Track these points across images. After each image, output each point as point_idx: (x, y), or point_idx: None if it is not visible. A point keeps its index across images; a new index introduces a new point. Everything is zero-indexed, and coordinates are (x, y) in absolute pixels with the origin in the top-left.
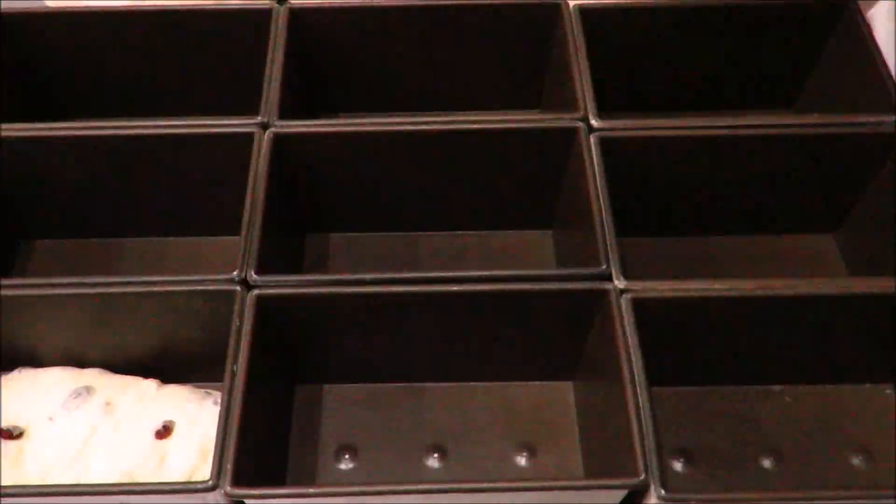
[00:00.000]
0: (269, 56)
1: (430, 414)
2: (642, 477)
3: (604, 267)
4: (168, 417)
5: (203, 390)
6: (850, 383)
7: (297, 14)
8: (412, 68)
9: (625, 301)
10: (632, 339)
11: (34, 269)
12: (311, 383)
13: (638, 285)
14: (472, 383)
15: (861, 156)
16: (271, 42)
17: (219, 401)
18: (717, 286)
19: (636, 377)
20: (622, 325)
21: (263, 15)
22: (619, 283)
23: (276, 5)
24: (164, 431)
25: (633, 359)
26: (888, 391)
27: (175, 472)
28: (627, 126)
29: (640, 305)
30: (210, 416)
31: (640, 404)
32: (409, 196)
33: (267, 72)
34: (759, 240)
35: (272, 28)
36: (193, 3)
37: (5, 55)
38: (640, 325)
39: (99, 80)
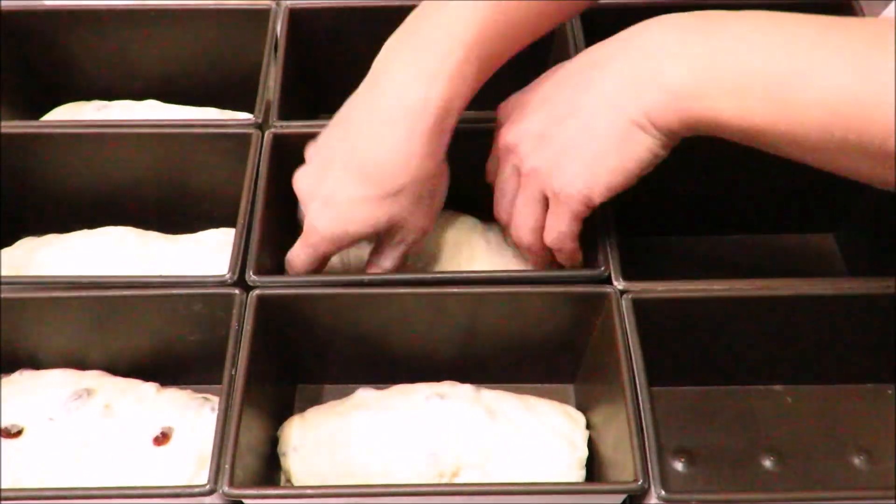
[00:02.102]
0: (268, 56)
1: None
2: (640, 482)
3: (602, 269)
4: (167, 423)
5: (202, 395)
6: (850, 383)
7: (296, 14)
8: None
9: (625, 301)
10: (632, 338)
11: None
12: (311, 383)
13: (638, 286)
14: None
15: None
16: (268, 41)
17: (216, 408)
18: (716, 286)
19: (637, 380)
20: (622, 327)
21: (262, 15)
22: (619, 284)
23: (274, 5)
24: (163, 438)
25: (634, 360)
26: (889, 391)
27: (172, 480)
28: None
29: (640, 306)
30: (208, 423)
31: (641, 408)
32: None
33: (265, 72)
34: (759, 240)
35: (269, 28)
36: (193, 3)
37: (5, 51)
38: (641, 325)
39: (99, 77)
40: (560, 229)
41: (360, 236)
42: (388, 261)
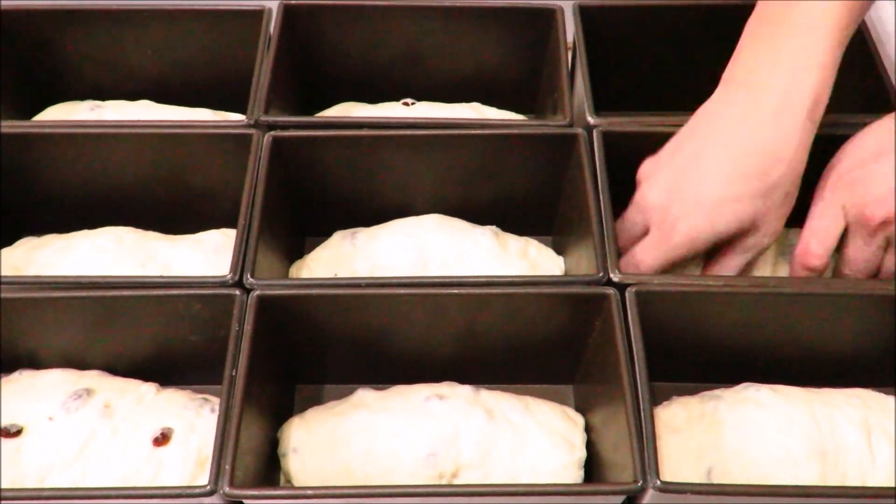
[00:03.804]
0: (261, 56)
1: None
2: (640, 483)
3: (600, 274)
4: (166, 423)
5: (201, 396)
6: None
7: (290, 10)
8: (410, 68)
9: (629, 295)
10: (635, 333)
11: None
12: (310, 383)
13: (632, 277)
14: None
15: None
16: (261, 42)
17: (216, 408)
18: (711, 282)
19: (638, 381)
20: (622, 327)
21: (256, 15)
22: (615, 276)
23: (269, 4)
24: (163, 439)
25: (636, 358)
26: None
27: (172, 481)
28: (625, 122)
29: (643, 300)
30: (208, 424)
31: (641, 409)
32: (411, 198)
33: (258, 72)
34: None
35: (263, 28)
36: (187, 3)
37: (5, 50)
38: (643, 321)
39: (91, 76)
40: None
41: (721, 237)
42: (735, 261)
